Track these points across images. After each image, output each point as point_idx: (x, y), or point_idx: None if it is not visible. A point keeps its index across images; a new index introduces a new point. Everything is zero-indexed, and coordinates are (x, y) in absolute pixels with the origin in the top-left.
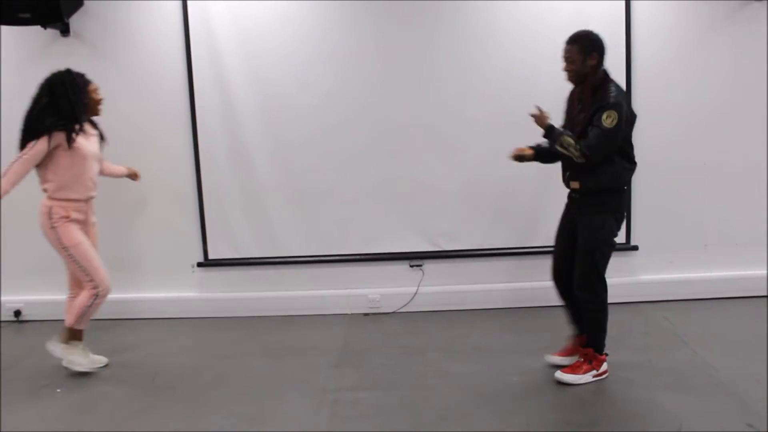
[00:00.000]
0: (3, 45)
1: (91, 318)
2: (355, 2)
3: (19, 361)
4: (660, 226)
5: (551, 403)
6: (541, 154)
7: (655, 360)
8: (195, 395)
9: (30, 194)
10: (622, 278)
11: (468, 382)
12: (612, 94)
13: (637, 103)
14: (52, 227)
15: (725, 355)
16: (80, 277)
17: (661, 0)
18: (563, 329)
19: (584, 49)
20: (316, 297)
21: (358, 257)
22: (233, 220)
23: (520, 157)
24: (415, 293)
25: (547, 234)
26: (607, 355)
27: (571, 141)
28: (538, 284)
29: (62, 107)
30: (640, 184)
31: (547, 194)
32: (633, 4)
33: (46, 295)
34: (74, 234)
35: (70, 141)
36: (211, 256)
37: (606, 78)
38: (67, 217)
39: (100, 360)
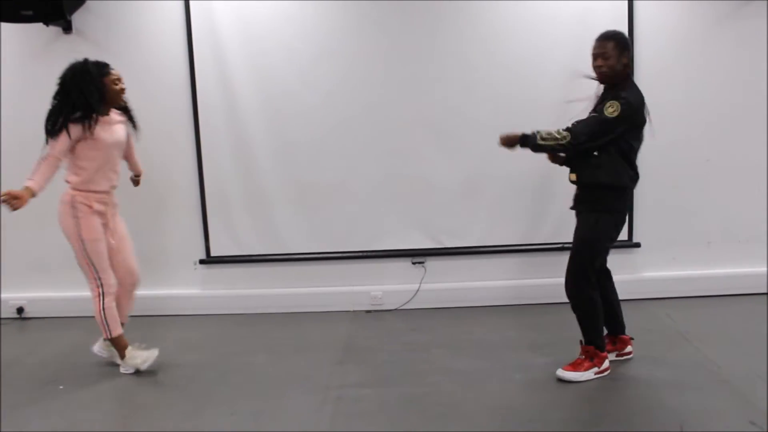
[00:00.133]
0: (5, 42)
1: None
2: (358, 1)
3: (22, 358)
4: (663, 224)
5: (554, 401)
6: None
7: (657, 357)
8: (198, 392)
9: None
10: (625, 275)
11: (471, 379)
12: (623, 93)
13: None
14: (75, 217)
15: (728, 353)
16: (85, 272)
17: None
18: (565, 326)
19: (619, 46)
20: (318, 294)
21: (360, 254)
22: (236, 217)
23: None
24: (418, 290)
25: (549, 231)
26: (608, 352)
27: (550, 129)
28: (540, 281)
29: (75, 99)
30: (643, 181)
31: (549, 192)
32: (636, 3)
33: (49, 292)
34: (95, 228)
35: (86, 131)
36: (213, 253)
37: (630, 80)
38: (90, 207)
39: (152, 354)
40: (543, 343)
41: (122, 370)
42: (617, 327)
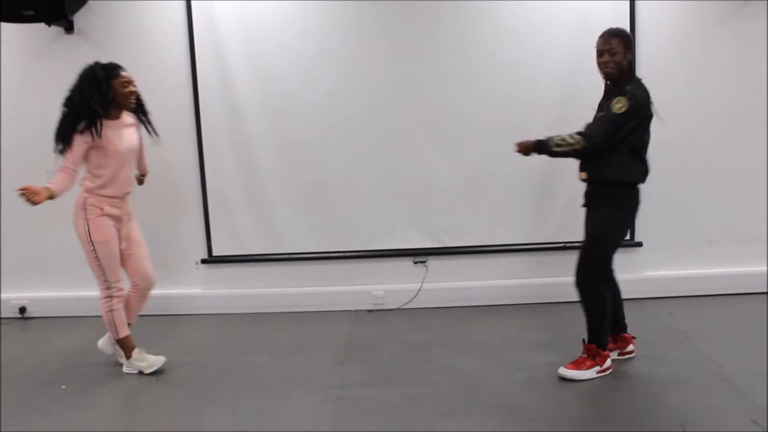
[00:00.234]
0: (7, 43)
1: (139, 315)
2: (358, 1)
3: (24, 357)
4: (664, 223)
5: (555, 400)
6: None
7: (659, 356)
8: (199, 392)
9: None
10: (627, 275)
11: (472, 379)
12: (628, 86)
13: None
14: (85, 219)
15: (729, 352)
16: (95, 273)
17: None
18: (567, 325)
19: (624, 42)
20: (320, 294)
21: (362, 254)
22: (237, 217)
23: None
24: (419, 290)
25: (550, 230)
26: (610, 351)
27: (563, 135)
28: (542, 280)
29: (77, 104)
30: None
31: (550, 191)
32: (637, 3)
33: (51, 292)
34: (105, 231)
35: (95, 137)
36: (215, 253)
37: (633, 75)
38: (101, 209)
39: (159, 359)
40: (544, 343)
41: (125, 369)
42: (619, 326)
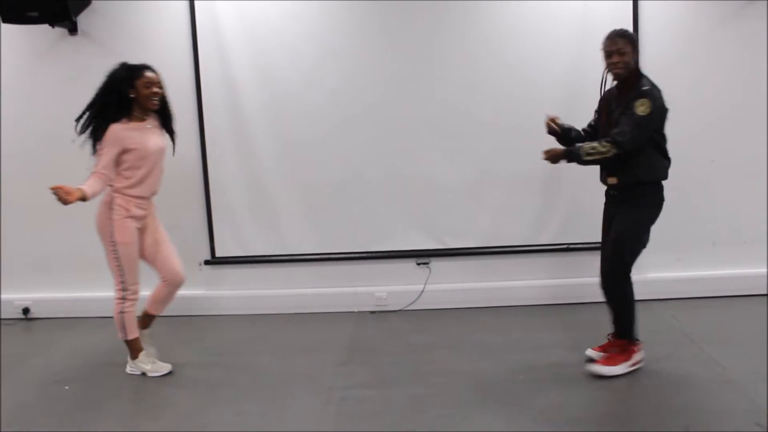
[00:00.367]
0: (11, 43)
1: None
2: (362, 1)
3: (27, 358)
4: (667, 224)
5: (558, 401)
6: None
7: (662, 358)
8: (202, 392)
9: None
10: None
11: (475, 380)
12: (645, 86)
13: None
14: (110, 218)
15: (733, 354)
16: (112, 273)
17: None
18: (570, 327)
19: (632, 42)
20: (322, 295)
21: (365, 255)
22: (240, 217)
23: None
24: (422, 291)
25: (554, 232)
26: (640, 343)
27: (593, 143)
28: (545, 282)
29: (96, 105)
30: None
31: (554, 192)
32: (640, 3)
33: (54, 293)
34: (129, 233)
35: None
36: (218, 254)
37: (641, 74)
38: (128, 210)
39: (165, 366)
40: (547, 344)
41: (128, 369)
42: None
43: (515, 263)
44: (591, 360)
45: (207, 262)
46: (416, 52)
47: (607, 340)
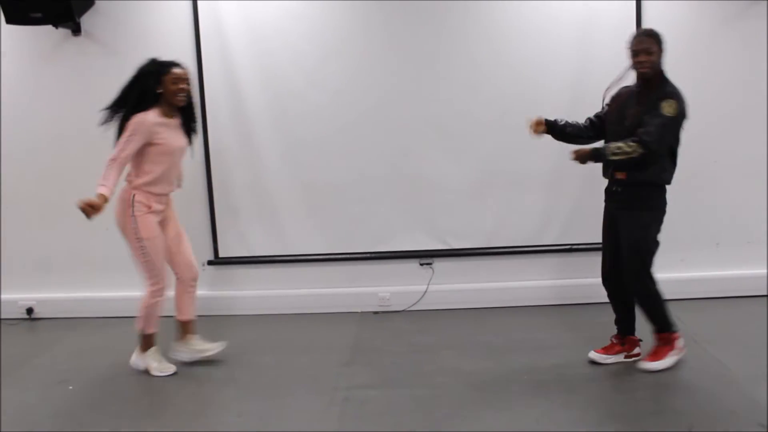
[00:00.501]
0: (14, 44)
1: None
2: (365, 1)
3: (31, 358)
4: (671, 225)
5: (562, 402)
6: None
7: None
8: (205, 393)
9: (38, 193)
10: None
11: (478, 380)
12: (670, 88)
13: None
14: (132, 216)
15: (737, 354)
16: (143, 272)
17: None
18: (573, 327)
19: (659, 43)
20: (326, 295)
21: (368, 255)
22: (243, 218)
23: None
24: (425, 291)
25: (557, 232)
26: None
27: (618, 143)
28: (548, 282)
29: (123, 99)
30: None
31: (557, 192)
32: (644, 3)
33: (58, 293)
34: (153, 227)
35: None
36: (221, 255)
37: (665, 76)
38: (149, 207)
39: (171, 367)
40: (551, 345)
41: (132, 360)
42: (629, 328)
43: (518, 264)
44: (594, 362)
45: (210, 263)
46: (419, 53)
47: (610, 341)
